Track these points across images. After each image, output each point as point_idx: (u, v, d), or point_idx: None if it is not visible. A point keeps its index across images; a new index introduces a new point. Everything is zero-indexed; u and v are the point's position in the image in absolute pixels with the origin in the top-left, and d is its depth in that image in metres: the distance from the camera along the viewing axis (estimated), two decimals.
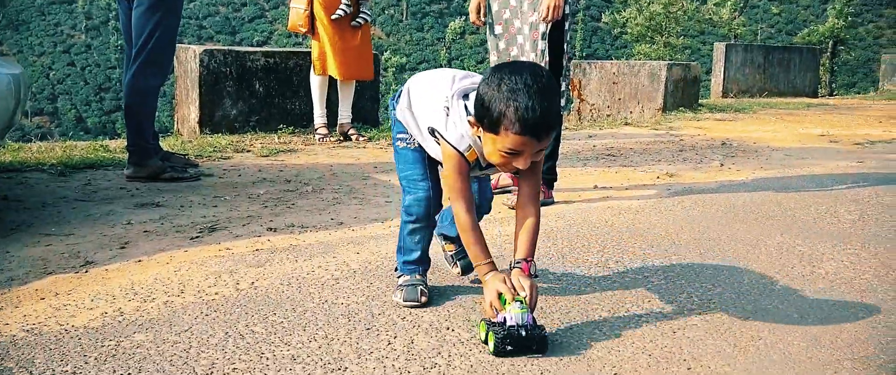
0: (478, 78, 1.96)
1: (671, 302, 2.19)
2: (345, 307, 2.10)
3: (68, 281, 2.31)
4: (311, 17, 5.34)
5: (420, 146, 2.10)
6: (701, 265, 2.57)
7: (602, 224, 3.14)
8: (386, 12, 75.44)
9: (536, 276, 1.98)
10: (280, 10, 70.53)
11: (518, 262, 1.93)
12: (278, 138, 5.50)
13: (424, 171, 2.11)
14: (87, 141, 5.34)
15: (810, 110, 9.49)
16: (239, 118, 5.72)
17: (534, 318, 1.81)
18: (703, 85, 11.36)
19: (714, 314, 2.10)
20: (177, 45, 4.37)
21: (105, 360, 1.73)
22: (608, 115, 8.48)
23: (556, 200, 3.56)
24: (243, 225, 3.04)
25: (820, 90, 16.00)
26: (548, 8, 3.29)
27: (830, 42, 26.98)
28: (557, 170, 3.65)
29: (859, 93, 20.92)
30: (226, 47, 6.02)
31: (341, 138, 5.54)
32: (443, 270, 2.42)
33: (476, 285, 2.23)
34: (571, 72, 8.69)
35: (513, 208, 3.31)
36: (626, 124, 7.37)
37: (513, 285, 1.86)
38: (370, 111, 6.37)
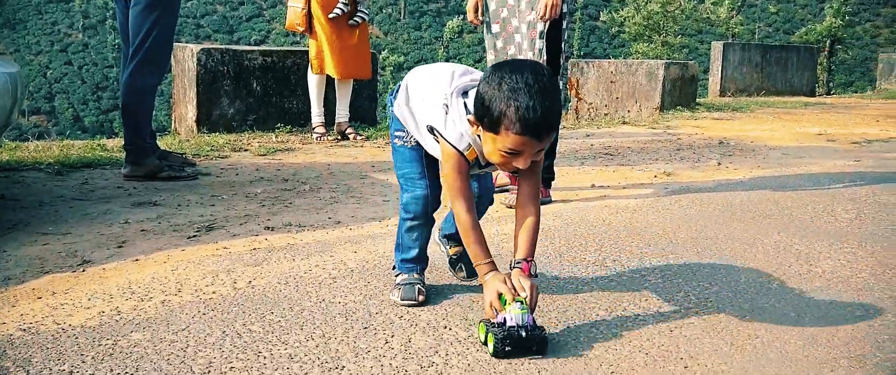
0: (477, 74, 1.94)
1: (668, 300, 2.20)
2: (342, 306, 2.10)
3: (65, 280, 2.31)
4: (309, 16, 5.33)
5: (417, 144, 2.08)
6: (698, 264, 2.58)
7: (599, 223, 3.14)
8: (384, 11, 75.42)
9: (536, 276, 1.96)
10: (278, 9, 70.51)
11: (518, 262, 1.92)
12: (276, 137, 5.50)
13: (422, 169, 2.10)
14: (84, 140, 5.33)
15: (808, 109, 9.50)
16: (236, 117, 5.71)
17: (534, 319, 1.80)
18: (701, 84, 11.35)
19: (711, 312, 2.10)
20: (174, 43, 4.37)
21: (102, 359, 1.72)
22: (606, 114, 8.49)
23: (553, 199, 3.56)
24: (241, 224, 3.03)
25: (817, 89, 16.01)
26: (545, 6, 3.29)
27: (828, 41, 27.01)
28: (555, 169, 3.65)
29: (856, 93, 20.94)
30: (223, 46, 6.01)
31: (339, 137, 5.54)
32: (441, 269, 2.42)
33: (474, 284, 2.23)
34: (569, 71, 8.70)
35: (510, 207, 3.31)
36: (624, 123, 7.37)
37: (513, 285, 1.84)
38: (368, 110, 6.36)
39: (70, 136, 7.66)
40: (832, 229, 3.11)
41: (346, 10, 5.29)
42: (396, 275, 2.20)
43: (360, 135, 5.59)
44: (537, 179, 1.96)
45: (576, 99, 8.78)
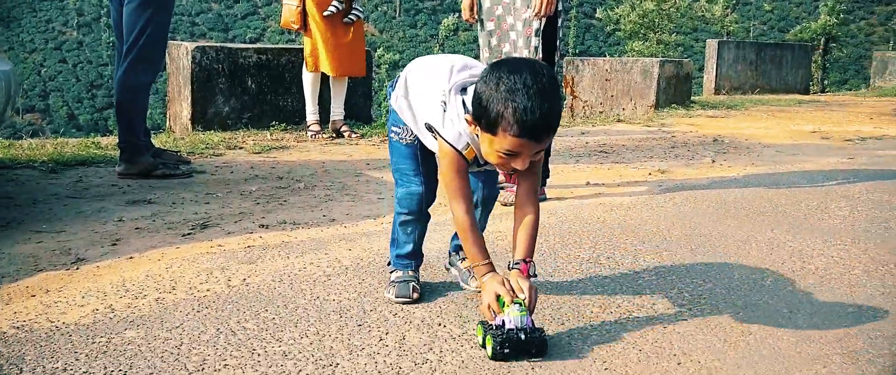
0: (477, 69, 1.90)
1: (662, 297, 2.20)
2: (336, 303, 2.10)
3: (59, 277, 2.30)
4: (304, 14, 5.33)
5: (414, 140, 2.05)
6: (692, 261, 2.58)
7: (594, 220, 3.15)
8: (379, 9, 75.32)
9: (535, 277, 1.92)
10: (273, 7, 70.34)
11: (516, 263, 1.88)
12: (270, 135, 5.49)
13: (417, 167, 2.08)
14: (78, 138, 5.32)
15: (802, 107, 9.52)
16: (231, 115, 5.70)
17: (533, 321, 1.77)
18: (696, 82, 11.38)
19: (705, 309, 2.11)
20: (169, 41, 4.36)
21: (96, 357, 1.72)
22: (601, 112, 8.50)
23: (548, 197, 3.56)
24: (235, 222, 3.03)
25: (812, 87, 16.05)
26: (541, 2, 3.29)
27: (822, 39, 27.04)
28: (550, 166, 3.65)
29: (851, 90, 21.01)
30: (218, 44, 6.01)
31: (334, 135, 5.54)
32: (436, 266, 2.42)
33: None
34: (564, 69, 8.71)
35: (505, 204, 3.31)
36: (619, 121, 7.38)
37: (511, 287, 1.81)
38: (363, 108, 6.36)
39: (64, 134, 7.62)
40: (825, 226, 3.12)
41: (340, 8, 5.29)
42: (391, 272, 2.20)
43: (355, 133, 5.58)
44: (537, 177, 1.91)
45: (571, 97, 8.79)
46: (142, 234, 2.82)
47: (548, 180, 3.62)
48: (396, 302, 2.10)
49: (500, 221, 2.99)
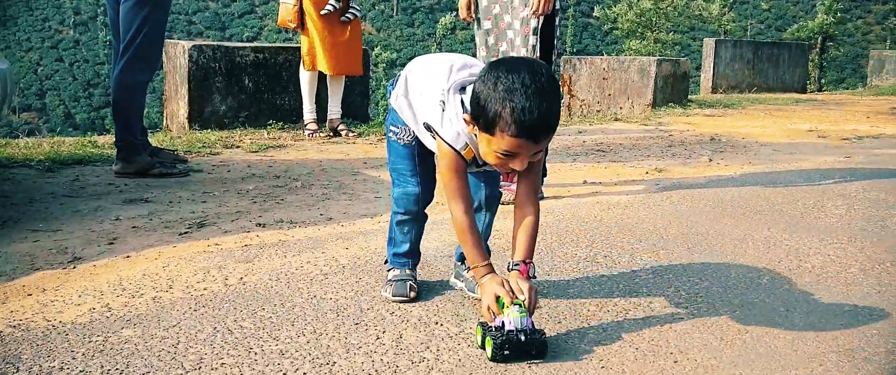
0: (477, 68, 1.88)
1: (659, 296, 2.21)
2: (333, 302, 2.10)
3: (56, 276, 2.30)
4: (301, 13, 5.33)
5: (412, 141, 2.04)
6: (689, 259, 2.58)
7: (591, 219, 3.15)
8: (376, 8, 75.30)
9: (535, 278, 1.90)
10: (270, 6, 70.30)
11: (516, 264, 1.86)
12: (267, 134, 5.49)
13: (414, 167, 2.07)
14: (75, 137, 5.31)
15: (799, 106, 9.53)
16: (228, 114, 5.70)
17: (533, 322, 1.76)
18: (693, 80, 11.38)
19: (701, 308, 2.11)
20: (166, 40, 4.35)
21: (93, 356, 1.72)
22: (598, 111, 8.50)
23: (545, 196, 3.57)
24: (232, 221, 3.03)
25: (809, 86, 16.07)
26: (538, 2, 3.29)
27: (819, 38, 27.08)
28: (547, 165, 3.65)
29: (848, 89, 21.04)
30: (215, 43, 5.99)
31: (331, 134, 5.54)
32: (432, 265, 2.42)
33: None
34: (561, 68, 8.71)
35: (504, 203, 3.31)
36: (616, 120, 7.38)
37: (511, 288, 1.79)
38: (360, 106, 6.36)
39: (61, 133, 7.62)
40: (822, 225, 3.12)
41: (337, 7, 5.28)
42: (388, 271, 2.20)
43: (352, 132, 5.58)
44: (536, 177, 1.90)
45: (568, 95, 8.80)
46: (139, 233, 2.82)
47: (545, 179, 3.62)
48: (393, 301, 2.10)
49: (500, 220, 2.99)
